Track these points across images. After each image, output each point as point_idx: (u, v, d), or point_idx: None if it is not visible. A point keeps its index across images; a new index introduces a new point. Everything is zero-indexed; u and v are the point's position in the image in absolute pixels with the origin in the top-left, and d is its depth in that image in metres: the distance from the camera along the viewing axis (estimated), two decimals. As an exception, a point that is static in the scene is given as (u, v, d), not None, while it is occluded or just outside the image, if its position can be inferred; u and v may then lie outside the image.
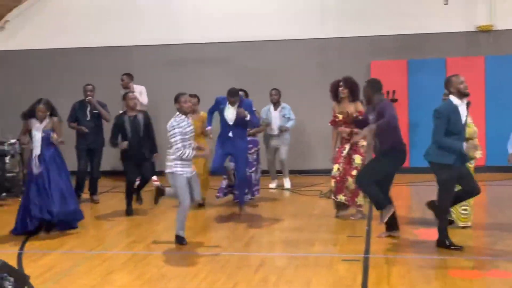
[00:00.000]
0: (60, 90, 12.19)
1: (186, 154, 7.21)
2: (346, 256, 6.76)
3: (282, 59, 12.06)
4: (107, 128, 9.90)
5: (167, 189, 7.50)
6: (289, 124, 10.69)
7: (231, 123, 8.58)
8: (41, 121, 8.00)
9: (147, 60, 12.24)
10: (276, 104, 10.70)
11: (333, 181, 8.39)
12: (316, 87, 11.81)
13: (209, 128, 8.83)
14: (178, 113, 7.36)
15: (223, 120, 8.66)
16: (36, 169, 7.95)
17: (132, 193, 9.34)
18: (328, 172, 11.24)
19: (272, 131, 10.71)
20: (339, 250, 7.05)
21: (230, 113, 8.58)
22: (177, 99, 7.40)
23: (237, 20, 12.07)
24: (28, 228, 7.93)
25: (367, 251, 6.93)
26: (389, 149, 7.12)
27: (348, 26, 11.83)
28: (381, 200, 7.13)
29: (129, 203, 9.25)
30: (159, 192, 7.55)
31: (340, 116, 8.39)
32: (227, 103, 8.59)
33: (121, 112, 9.65)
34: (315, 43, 11.99)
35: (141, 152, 9.11)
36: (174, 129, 7.21)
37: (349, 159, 8.32)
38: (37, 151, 7.99)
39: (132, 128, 9.16)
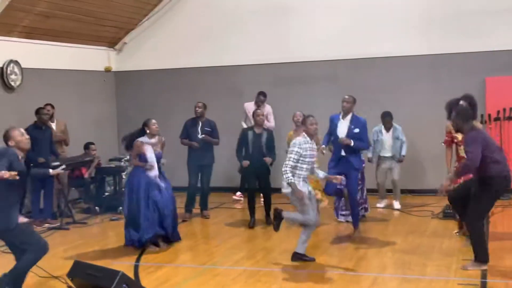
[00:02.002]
0: (174, 108, 12.65)
1: (289, 178, 7.16)
2: (462, 280, 6.50)
3: (390, 76, 11.85)
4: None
5: (285, 213, 7.45)
6: (404, 151, 10.49)
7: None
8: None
9: (256, 79, 12.43)
10: (389, 128, 10.52)
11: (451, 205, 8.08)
12: (426, 105, 11.52)
13: (323, 146, 8.68)
14: (304, 134, 7.40)
15: (335, 138, 8.49)
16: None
17: (254, 207, 9.57)
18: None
19: (384, 152, 10.52)
20: (454, 274, 6.79)
21: (341, 128, 8.42)
22: (303, 122, 7.50)
23: (344, 38, 11.99)
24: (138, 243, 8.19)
25: (484, 275, 6.64)
26: (487, 178, 6.77)
27: (459, 41, 11.43)
28: (484, 251, 6.84)
29: (251, 216, 9.54)
30: (277, 216, 7.47)
31: (460, 137, 8.08)
32: (340, 117, 8.48)
33: (248, 126, 9.98)
34: (425, 59, 11.70)
35: (263, 167, 9.39)
36: (295, 147, 7.26)
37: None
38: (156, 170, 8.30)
39: (254, 143, 9.40)
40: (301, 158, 7.22)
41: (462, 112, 6.91)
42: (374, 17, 11.90)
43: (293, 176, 7.19)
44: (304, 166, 7.26)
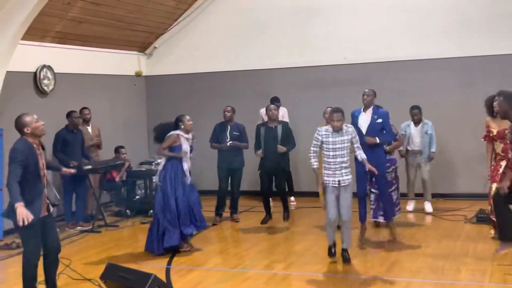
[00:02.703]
0: (203, 112, 12.67)
1: (311, 162, 7.37)
2: (496, 285, 6.39)
3: (421, 79, 11.70)
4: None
5: None
6: (433, 148, 10.31)
7: (364, 130, 8.28)
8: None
9: (286, 83, 12.41)
10: (418, 122, 10.38)
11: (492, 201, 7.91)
12: (458, 108, 11.38)
13: None
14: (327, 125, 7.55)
15: (359, 132, 8.23)
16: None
17: (268, 203, 9.66)
18: (472, 196, 10.86)
19: (413, 146, 10.38)
20: (489, 279, 6.67)
21: (363, 120, 8.36)
22: (330, 115, 7.55)
23: (374, 41, 11.90)
24: (167, 245, 8.17)
25: (520, 280, 6.53)
26: None
27: (493, 43, 11.26)
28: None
29: (266, 213, 9.61)
30: None
31: (495, 131, 7.96)
32: (361, 110, 8.42)
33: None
34: (457, 62, 11.54)
35: (276, 162, 9.28)
36: (315, 134, 7.42)
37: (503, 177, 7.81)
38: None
39: (267, 137, 9.38)
40: (324, 146, 7.35)
41: (509, 95, 6.50)
42: (406, 19, 11.77)
43: (324, 165, 7.33)
44: (330, 154, 7.31)
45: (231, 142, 10.09)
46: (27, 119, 5.89)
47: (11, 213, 5.80)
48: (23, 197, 5.72)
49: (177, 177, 8.18)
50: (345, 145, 7.32)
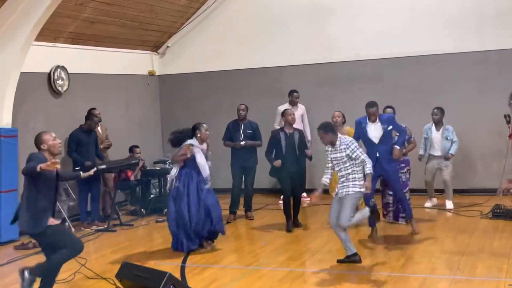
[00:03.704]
0: (217, 110, 12.70)
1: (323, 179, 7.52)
2: (513, 281, 6.33)
3: (436, 74, 11.61)
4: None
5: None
6: (453, 150, 10.17)
7: (376, 141, 8.33)
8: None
9: (299, 80, 12.37)
10: (438, 123, 10.25)
11: None
12: (474, 103, 11.29)
13: None
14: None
15: (368, 141, 8.41)
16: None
17: (290, 210, 9.42)
18: (488, 191, 10.77)
19: (434, 151, 10.28)
20: (505, 274, 6.60)
21: (373, 130, 8.36)
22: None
23: (388, 36, 11.81)
24: (190, 247, 8.19)
25: (537, 276, 6.46)
26: None
27: (508, 37, 11.15)
28: None
29: (288, 219, 9.36)
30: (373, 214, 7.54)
31: None
32: (367, 121, 8.42)
33: (278, 127, 9.90)
34: (472, 56, 11.43)
35: (296, 168, 9.19)
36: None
37: None
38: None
39: (287, 144, 9.31)
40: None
41: None
42: (418, 14, 11.70)
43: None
44: (335, 168, 7.44)
45: (244, 141, 10.07)
46: (46, 137, 6.04)
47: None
48: (35, 204, 5.86)
49: (190, 186, 8.15)
50: (343, 160, 7.23)
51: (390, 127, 8.36)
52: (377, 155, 8.27)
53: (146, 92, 13.31)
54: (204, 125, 8.34)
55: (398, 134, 8.55)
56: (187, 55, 13.35)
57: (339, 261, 7.36)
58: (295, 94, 11.32)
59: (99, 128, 10.76)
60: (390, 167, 8.42)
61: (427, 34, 11.62)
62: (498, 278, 6.51)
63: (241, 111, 10.23)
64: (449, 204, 10.29)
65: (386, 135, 8.36)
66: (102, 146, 10.62)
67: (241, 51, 12.88)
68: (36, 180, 5.85)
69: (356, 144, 7.32)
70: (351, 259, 7.29)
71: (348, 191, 7.18)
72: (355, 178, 7.21)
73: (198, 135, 8.24)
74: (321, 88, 12.26)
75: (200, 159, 8.16)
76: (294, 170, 9.28)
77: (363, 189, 7.19)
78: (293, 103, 11.26)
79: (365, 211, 7.40)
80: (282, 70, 12.60)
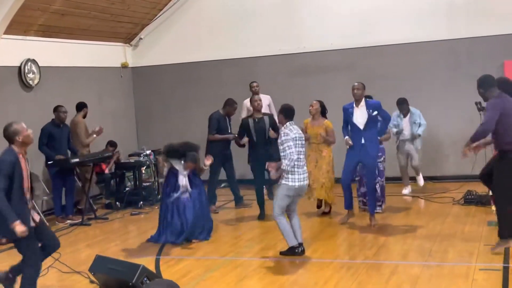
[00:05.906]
0: (191, 101, 12.67)
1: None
2: (484, 265, 6.44)
3: (408, 63, 11.72)
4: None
5: None
6: (420, 130, 10.35)
7: (361, 127, 8.38)
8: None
9: (272, 70, 12.39)
10: (406, 114, 10.44)
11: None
12: (446, 90, 11.41)
13: (347, 137, 8.53)
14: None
15: (353, 127, 8.46)
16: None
17: (263, 198, 9.48)
18: (460, 178, 10.93)
19: (404, 136, 10.44)
20: (476, 259, 6.72)
21: (359, 116, 8.39)
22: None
23: (360, 26, 11.87)
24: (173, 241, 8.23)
25: (506, 260, 6.57)
26: (505, 151, 6.69)
27: (478, 25, 11.27)
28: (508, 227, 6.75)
29: (261, 208, 9.42)
30: None
31: None
32: (354, 105, 8.44)
33: (246, 115, 9.93)
34: (444, 44, 11.54)
35: (268, 154, 9.17)
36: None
37: None
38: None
39: (257, 130, 9.33)
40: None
41: (482, 79, 6.84)
42: (390, 4, 11.77)
43: None
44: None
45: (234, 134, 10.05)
46: (18, 127, 5.68)
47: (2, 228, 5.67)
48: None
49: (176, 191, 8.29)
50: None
51: (375, 112, 8.38)
52: (362, 141, 8.34)
53: (120, 84, 13.22)
54: (196, 155, 8.36)
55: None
56: (160, 47, 13.28)
57: (281, 253, 7.38)
58: (253, 84, 11.03)
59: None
60: (371, 154, 8.43)
61: (400, 23, 11.70)
62: (469, 263, 6.62)
63: (235, 105, 10.18)
64: (420, 180, 10.52)
65: (370, 120, 8.36)
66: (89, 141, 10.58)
67: (214, 42, 12.84)
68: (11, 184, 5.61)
69: (290, 144, 7.09)
70: (292, 251, 7.31)
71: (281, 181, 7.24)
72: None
73: (185, 164, 8.30)
74: (294, 78, 12.29)
75: (182, 183, 8.26)
76: (266, 154, 9.16)
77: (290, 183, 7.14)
78: (255, 93, 11.14)
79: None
80: (255, 60, 12.59)
